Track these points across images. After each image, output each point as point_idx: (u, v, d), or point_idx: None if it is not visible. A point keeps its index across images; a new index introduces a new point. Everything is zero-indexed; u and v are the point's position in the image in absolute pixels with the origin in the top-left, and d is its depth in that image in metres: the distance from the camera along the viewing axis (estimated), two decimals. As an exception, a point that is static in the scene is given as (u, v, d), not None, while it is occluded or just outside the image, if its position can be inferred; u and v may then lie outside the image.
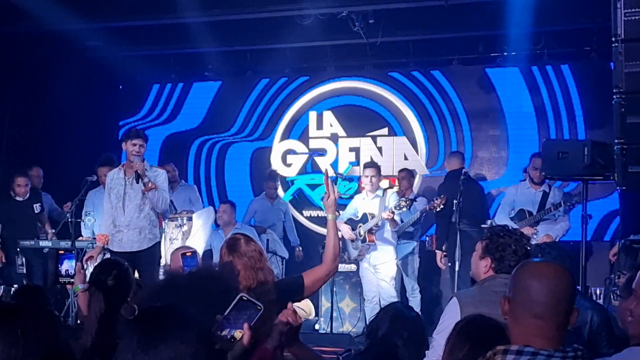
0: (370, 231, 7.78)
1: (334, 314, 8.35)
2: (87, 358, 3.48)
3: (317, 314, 8.83)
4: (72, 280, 5.09)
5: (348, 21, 8.98)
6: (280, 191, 10.44)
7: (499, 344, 2.32)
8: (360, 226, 7.85)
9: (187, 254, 3.27)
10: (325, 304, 8.86)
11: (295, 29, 9.11)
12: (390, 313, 3.85)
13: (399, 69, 10.53)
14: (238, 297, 2.11)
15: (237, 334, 2.07)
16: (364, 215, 7.87)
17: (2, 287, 6.99)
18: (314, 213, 10.63)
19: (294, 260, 9.44)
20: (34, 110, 10.14)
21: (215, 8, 8.62)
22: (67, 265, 5.11)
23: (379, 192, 8.03)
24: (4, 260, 8.36)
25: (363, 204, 8.03)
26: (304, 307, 8.20)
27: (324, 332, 8.40)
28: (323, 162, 10.65)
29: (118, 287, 3.78)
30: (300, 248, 9.62)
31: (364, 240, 7.84)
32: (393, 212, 7.60)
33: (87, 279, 4.66)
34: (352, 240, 7.91)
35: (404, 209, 7.68)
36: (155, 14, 8.89)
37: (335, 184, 8.69)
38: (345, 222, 7.97)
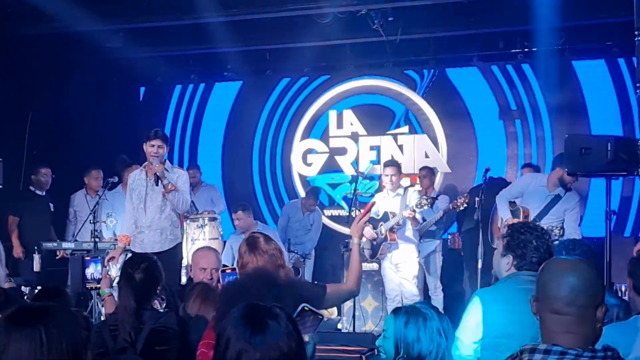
0: (391, 230, 7.72)
1: (356, 313, 8.31)
2: (121, 350, 3.53)
3: (339, 313, 8.80)
4: (98, 285, 5.13)
5: (367, 19, 8.94)
6: (301, 190, 10.45)
7: None
8: (381, 225, 7.79)
9: (227, 270, 3.29)
10: (347, 302, 8.83)
11: (314, 28, 9.08)
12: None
13: (418, 66, 10.47)
14: (301, 307, 2.17)
15: (305, 338, 2.17)
16: (385, 213, 7.80)
17: (28, 288, 7.03)
18: (335, 212, 10.62)
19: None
20: (54, 111, 10.19)
21: (234, 7, 8.61)
22: (93, 269, 5.14)
23: (400, 191, 7.96)
24: (22, 256, 8.39)
25: (384, 202, 7.96)
26: (326, 306, 8.16)
27: (346, 331, 8.37)
28: (344, 161, 10.63)
29: (147, 281, 3.82)
30: (304, 260, 9.52)
31: (385, 239, 7.78)
32: (414, 211, 7.54)
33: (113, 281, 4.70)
34: (374, 239, 7.86)
35: (425, 207, 7.61)
36: (174, 15, 8.88)
37: (357, 182, 8.62)
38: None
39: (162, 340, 3.70)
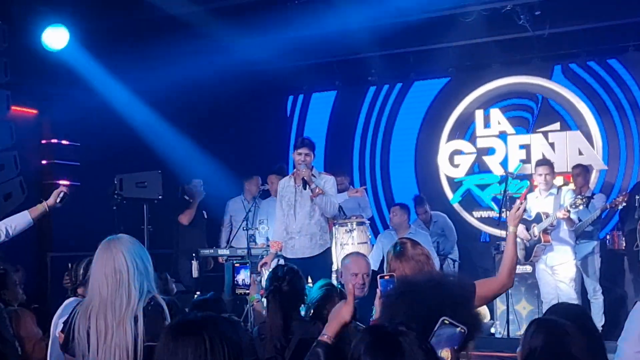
0: (545, 231, 7.44)
1: (510, 317, 8.09)
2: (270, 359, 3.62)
3: (492, 317, 8.61)
4: (247, 291, 5.32)
5: (513, 15, 8.70)
6: (448, 192, 10.32)
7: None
8: (534, 226, 7.54)
9: (386, 277, 3.28)
10: (500, 306, 8.61)
11: (458, 27, 8.96)
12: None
13: (569, 60, 10.07)
14: (441, 320, 2.15)
15: (444, 353, 2.15)
16: (538, 214, 7.54)
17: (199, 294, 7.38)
18: (484, 214, 10.40)
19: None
20: (206, 121, 10.63)
21: (377, 13, 8.61)
22: (243, 276, 5.33)
23: (553, 190, 7.67)
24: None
25: (536, 202, 7.70)
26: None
27: (500, 336, 8.16)
28: (492, 162, 10.40)
29: (292, 292, 3.90)
30: (454, 262, 9.35)
31: (538, 241, 7.51)
32: (568, 211, 7.25)
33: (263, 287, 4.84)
34: (527, 240, 7.62)
35: (580, 207, 7.28)
36: (317, 24, 8.99)
37: (507, 183, 8.38)
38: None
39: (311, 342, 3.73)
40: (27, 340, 4.52)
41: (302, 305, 4.07)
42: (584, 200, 7.23)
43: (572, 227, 7.57)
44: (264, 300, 4.33)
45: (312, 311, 4.22)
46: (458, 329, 2.18)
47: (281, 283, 3.96)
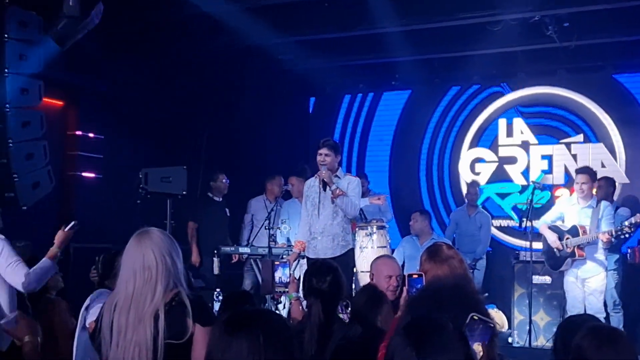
0: (579, 246, 7.32)
1: (527, 327, 8.06)
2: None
3: (509, 327, 8.59)
4: (286, 289, 5.33)
5: (541, 25, 8.69)
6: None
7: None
8: (567, 237, 7.39)
9: (414, 276, 3.28)
10: (518, 316, 8.62)
11: (485, 36, 8.94)
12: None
13: (594, 73, 10.04)
14: (470, 316, 2.16)
15: (477, 347, 2.16)
16: (574, 227, 7.38)
17: (219, 290, 7.38)
18: (504, 223, 10.38)
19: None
20: (229, 121, 10.69)
21: (405, 17, 8.63)
22: (280, 274, 5.35)
23: (592, 203, 7.46)
24: (197, 265, 8.80)
25: (572, 210, 7.53)
26: (496, 319, 7.98)
27: (518, 345, 8.14)
28: (514, 171, 10.38)
29: (332, 292, 3.88)
30: (475, 264, 9.34)
31: (572, 255, 7.35)
32: (612, 235, 7.08)
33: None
34: (559, 251, 7.47)
35: (627, 236, 7.11)
36: (345, 26, 9.04)
37: (533, 192, 8.28)
38: (549, 228, 7.58)
39: (350, 353, 3.71)
40: (60, 329, 4.54)
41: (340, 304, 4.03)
42: (632, 228, 7.02)
43: (607, 247, 7.38)
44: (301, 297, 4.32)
45: (349, 310, 4.21)
46: (488, 324, 2.20)
47: (321, 282, 3.92)
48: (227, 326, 2.16)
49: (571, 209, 7.57)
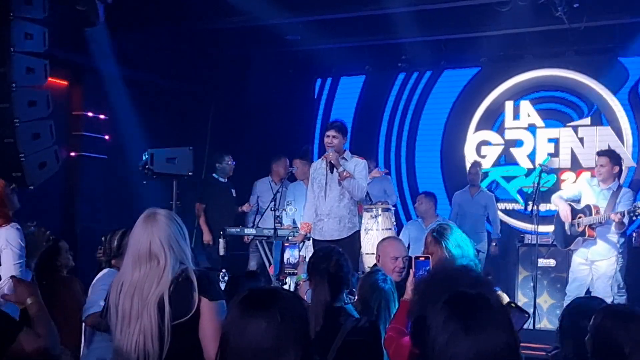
0: (591, 226, 7.23)
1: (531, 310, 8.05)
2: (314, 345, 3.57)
3: (512, 310, 8.57)
4: (295, 270, 5.33)
5: (550, 6, 8.60)
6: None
7: None
8: (580, 217, 7.29)
9: (421, 258, 3.26)
10: (522, 299, 8.62)
11: (493, 17, 8.87)
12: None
13: (603, 55, 9.97)
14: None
15: None
16: (587, 206, 7.27)
17: (224, 271, 7.37)
18: (509, 206, 10.35)
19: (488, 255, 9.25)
20: (234, 102, 10.66)
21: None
22: (289, 255, 5.35)
23: (613, 186, 7.28)
24: (211, 242, 8.83)
25: (590, 191, 7.38)
26: (500, 301, 7.96)
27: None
28: (520, 154, 10.34)
29: (339, 275, 3.85)
30: (495, 244, 9.37)
31: (582, 234, 7.27)
32: (624, 215, 6.96)
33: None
34: (570, 227, 7.35)
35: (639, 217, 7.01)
36: (352, 6, 8.97)
37: (540, 175, 8.21)
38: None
39: (358, 344, 3.68)
40: (72, 308, 4.53)
41: (346, 290, 3.97)
42: None
43: (620, 230, 7.26)
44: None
45: (356, 298, 4.17)
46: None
47: (328, 265, 3.87)
48: (243, 307, 2.15)
49: (590, 190, 7.41)
